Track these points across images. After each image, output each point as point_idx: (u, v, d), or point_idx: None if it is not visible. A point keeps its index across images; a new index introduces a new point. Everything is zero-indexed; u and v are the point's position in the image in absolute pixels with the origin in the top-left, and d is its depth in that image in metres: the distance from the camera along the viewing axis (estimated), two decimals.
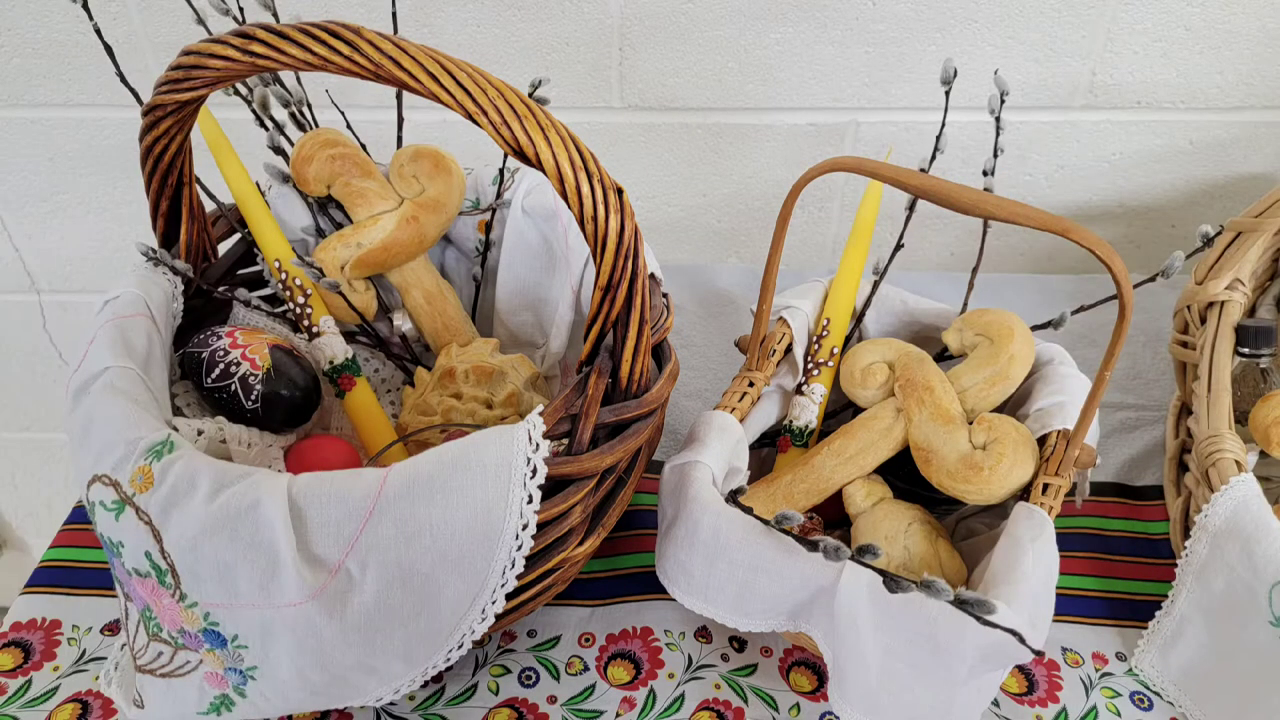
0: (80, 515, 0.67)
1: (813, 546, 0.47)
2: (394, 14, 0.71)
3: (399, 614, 0.46)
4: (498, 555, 0.45)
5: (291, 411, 0.60)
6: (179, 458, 0.45)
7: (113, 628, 0.60)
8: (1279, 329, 0.65)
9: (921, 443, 0.57)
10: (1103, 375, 0.49)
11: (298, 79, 0.69)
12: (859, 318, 0.67)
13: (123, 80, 0.64)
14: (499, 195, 0.70)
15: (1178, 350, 0.67)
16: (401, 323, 0.70)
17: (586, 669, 0.58)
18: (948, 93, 0.65)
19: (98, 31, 0.63)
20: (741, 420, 0.59)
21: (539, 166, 0.42)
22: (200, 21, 0.68)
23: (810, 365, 0.64)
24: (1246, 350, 0.64)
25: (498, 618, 0.49)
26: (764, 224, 0.98)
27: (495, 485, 0.44)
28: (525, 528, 0.45)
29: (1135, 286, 0.51)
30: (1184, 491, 0.61)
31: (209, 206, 0.64)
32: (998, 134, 0.65)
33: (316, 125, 0.70)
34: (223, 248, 0.66)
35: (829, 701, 0.52)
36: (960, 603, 0.43)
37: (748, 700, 0.56)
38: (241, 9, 0.67)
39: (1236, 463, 0.56)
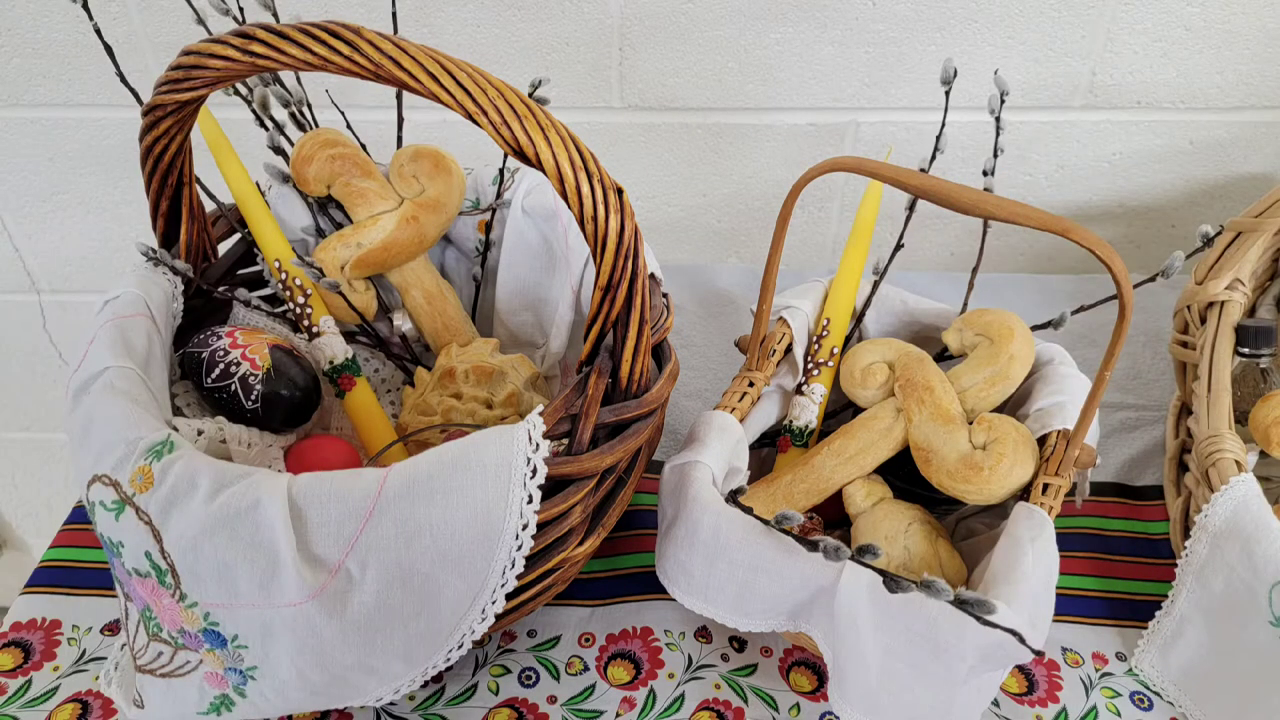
0: (80, 515, 0.67)
1: (813, 546, 0.47)
2: (394, 14, 0.71)
3: (399, 614, 0.46)
4: (498, 555, 0.45)
5: (291, 411, 0.60)
6: (179, 458, 0.45)
7: (113, 628, 0.60)
8: (1279, 329, 0.65)
9: (921, 443, 0.57)
10: (1103, 375, 0.49)
11: (298, 79, 0.69)
12: (859, 318, 0.67)
13: (123, 80, 0.64)
14: (499, 195, 0.70)
15: (1178, 350, 0.67)
16: (401, 323, 0.70)
17: (586, 669, 0.58)
18: (948, 93, 0.65)
19: (98, 31, 0.63)
20: (741, 420, 0.59)
21: (539, 166, 0.42)
22: (200, 21, 0.68)
23: (810, 365, 0.64)
24: (1246, 350, 0.64)
25: (498, 618, 0.49)
26: (764, 224, 0.98)
27: (495, 485, 0.44)
28: (525, 528, 0.45)
29: (1135, 286, 0.51)
30: (1184, 491, 0.61)
31: (209, 206, 0.64)
32: (998, 134, 0.65)
33: (316, 125, 0.70)
34: (223, 248, 0.66)
35: (829, 701, 0.52)
36: (960, 603, 0.43)
37: (748, 700, 0.56)
38: (241, 9, 0.67)
39: (1236, 463, 0.56)
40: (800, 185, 0.51)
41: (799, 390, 0.64)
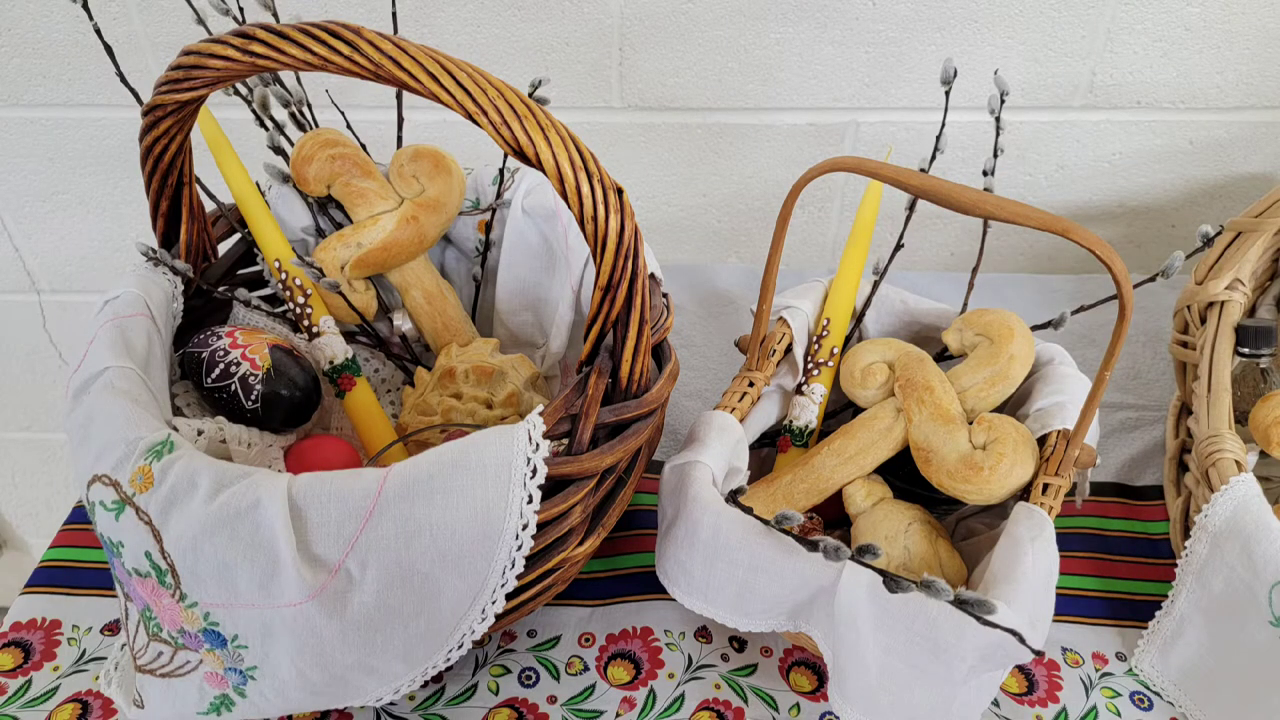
0: (80, 515, 0.67)
1: (813, 546, 0.47)
2: (394, 14, 0.71)
3: (399, 614, 0.46)
4: (498, 555, 0.45)
5: (291, 411, 0.60)
6: (179, 458, 0.45)
7: (113, 628, 0.60)
8: (1279, 329, 0.65)
9: (921, 443, 0.57)
10: (1103, 375, 0.49)
11: (298, 79, 0.69)
12: (859, 318, 0.67)
13: (123, 80, 0.64)
14: (499, 195, 0.70)
15: (1178, 350, 0.67)
16: (401, 323, 0.70)
17: (586, 669, 0.58)
18: (948, 93, 0.65)
19: (98, 31, 0.63)
20: (741, 420, 0.59)
21: (539, 166, 0.42)
22: (200, 21, 0.68)
23: (810, 365, 0.64)
24: (1246, 350, 0.64)
25: (498, 618, 0.49)
26: (764, 224, 0.98)
27: (495, 485, 0.44)
28: (525, 528, 0.45)
29: (1135, 286, 0.51)
30: (1184, 491, 0.61)
31: (209, 206, 0.64)
32: (998, 134, 0.65)
33: (316, 125, 0.70)
34: (223, 248, 0.66)
35: (829, 701, 0.52)
36: (960, 603, 0.43)
37: (748, 700, 0.56)
38: (241, 9, 0.67)
39: (1236, 463, 0.56)
40: (800, 185, 0.51)
41: (799, 390, 0.64)
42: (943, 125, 0.65)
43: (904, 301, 0.67)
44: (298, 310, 0.66)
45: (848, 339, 0.66)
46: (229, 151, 0.63)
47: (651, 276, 0.60)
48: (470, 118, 0.41)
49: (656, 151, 0.93)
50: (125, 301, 0.54)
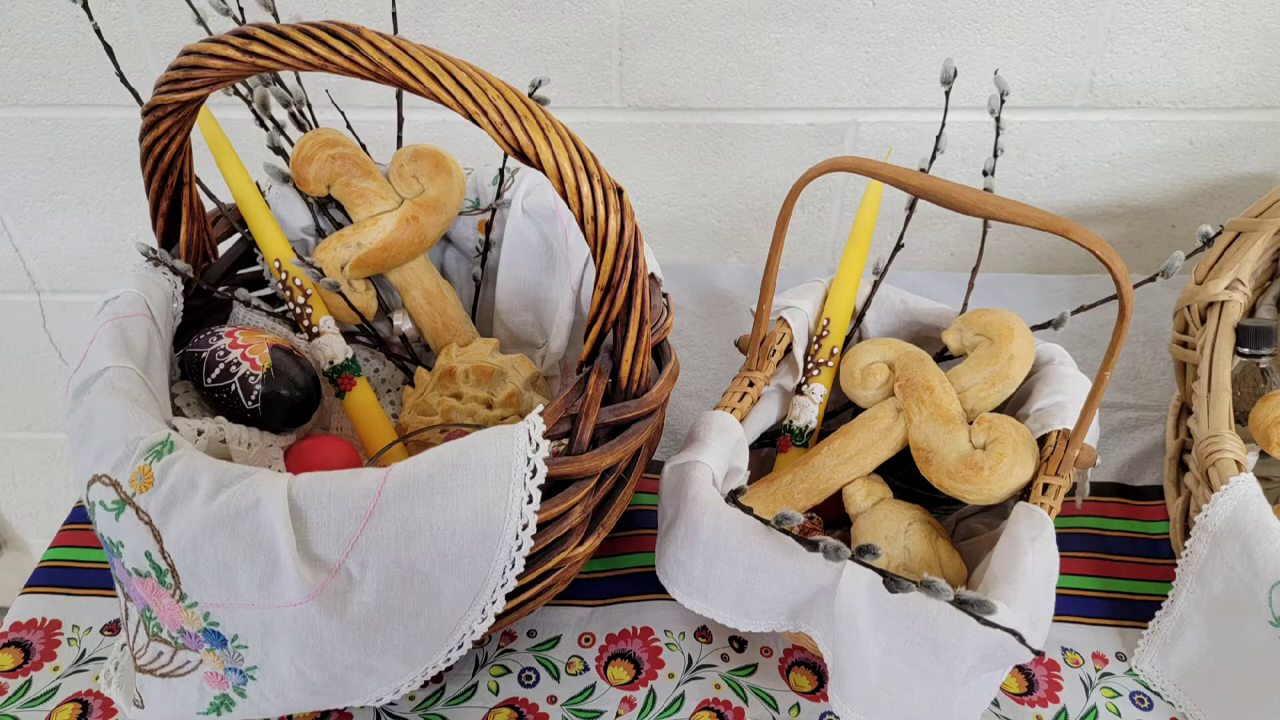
0: (80, 515, 0.67)
1: (813, 546, 0.47)
2: (394, 14, 0.71)
3: (399, 614, 0.46)
4: (498, 555, 0.45)
5: (291, 411, 0.60)
6: (179, 458, 0.45)
7: (113, 628, 0.60)
8: (1279, 329, 0.65)
9: (921, 443, 0.57)
10: (1103, 375, 0.49)
11: (298, 79, 0.69)
12: (859, 318, 0.67)
13: (123, 80, 0.64)
14: (499, 195, 0.70)
15: (1178, 350, 0.67)
16: (401, 323, 0.70)
17: (586, 669, 0.58)
18: (948, 93, 0.65)
19: (98, 31, 0.63)
20: (741, 420, 0.59)
21: (539, 166, 0.42)
22: (200, 21, 0.68)
23: (810, 365, 0.64)
24: (1246, 350, 0.64)
25: (498, 618, 0.49)
26: (764, 224, 0.98)
27: (495, 485, 0.44)
28: (525, 528, 0.45)
29: (1135, 286, 0.51)
30: (1184, 491, 0.61)
31: (209, 206, 0.64)
32: (998, 134, 0.65)
33: (316, 125, 0.70)
34: (223, 248, 0.66)
35: (829, 701, 0.52)
36: (960, 603, 0.43)
37: (748, 700, 0.56)
38: (241, 9, 0.67)
39: (1236, 463, 0.56)
40: (800, 185, 0.51)
41: (799, 390, 0.64)
42: (943, 125, 0.65)
43: (904, 301, 0.67)
44: (298, 310, 0.66)
45: (848, 339, 0.66)
46: (229, 151, 0.63)
47: (651, 276, 0.60)
48: (470, 118, 0.41)
49: (656, 151, 0.93)
50: (125, 301, 0.54)
